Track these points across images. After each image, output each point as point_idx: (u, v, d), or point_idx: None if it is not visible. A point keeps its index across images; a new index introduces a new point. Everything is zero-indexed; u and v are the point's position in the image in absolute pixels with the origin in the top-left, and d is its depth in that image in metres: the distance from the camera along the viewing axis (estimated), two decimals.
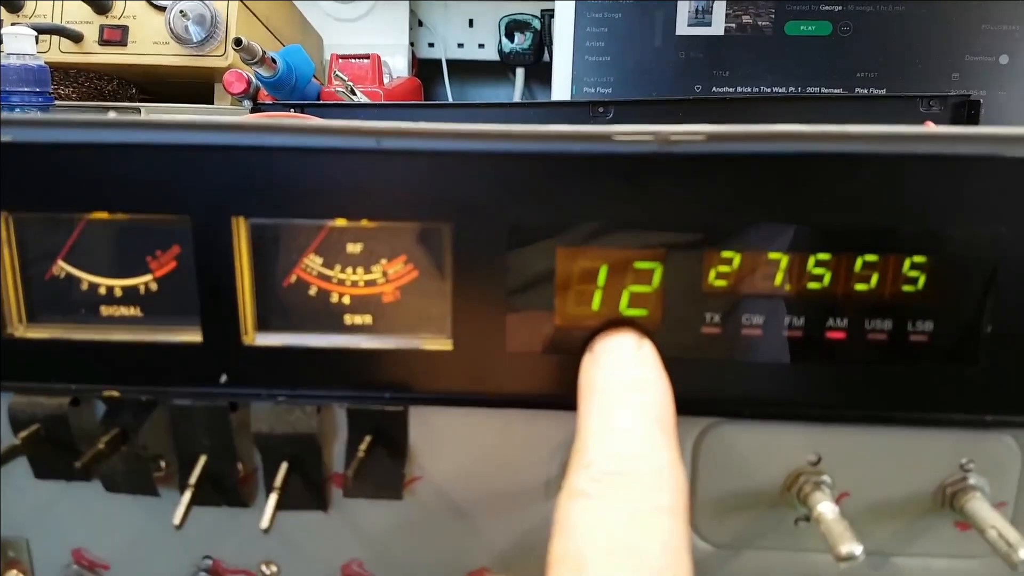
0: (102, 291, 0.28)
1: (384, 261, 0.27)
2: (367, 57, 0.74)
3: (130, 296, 0.28)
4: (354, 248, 0.27)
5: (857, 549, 0.24)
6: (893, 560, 0.29)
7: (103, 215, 0.27)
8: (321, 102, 0.67)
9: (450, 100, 0.98)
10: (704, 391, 0.27)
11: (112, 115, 0.28)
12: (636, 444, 0.22)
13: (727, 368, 0.27)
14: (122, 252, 0.28)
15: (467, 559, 0.30)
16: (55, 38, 0.69)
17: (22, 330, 0.28)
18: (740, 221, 0.26)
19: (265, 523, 0.26)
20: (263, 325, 0.28)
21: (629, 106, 0.60)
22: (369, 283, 0.27)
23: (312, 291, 0.27)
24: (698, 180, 0.26)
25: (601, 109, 0.60)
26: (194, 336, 0.27)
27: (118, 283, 0.28)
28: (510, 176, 0.26)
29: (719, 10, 0.77)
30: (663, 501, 0.20)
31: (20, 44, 0.58)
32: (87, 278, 0.28)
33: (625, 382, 0.24)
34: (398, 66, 0.92)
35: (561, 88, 0.79)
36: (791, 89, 0.78)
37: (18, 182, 0.26)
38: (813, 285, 0.26)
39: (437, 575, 0.30)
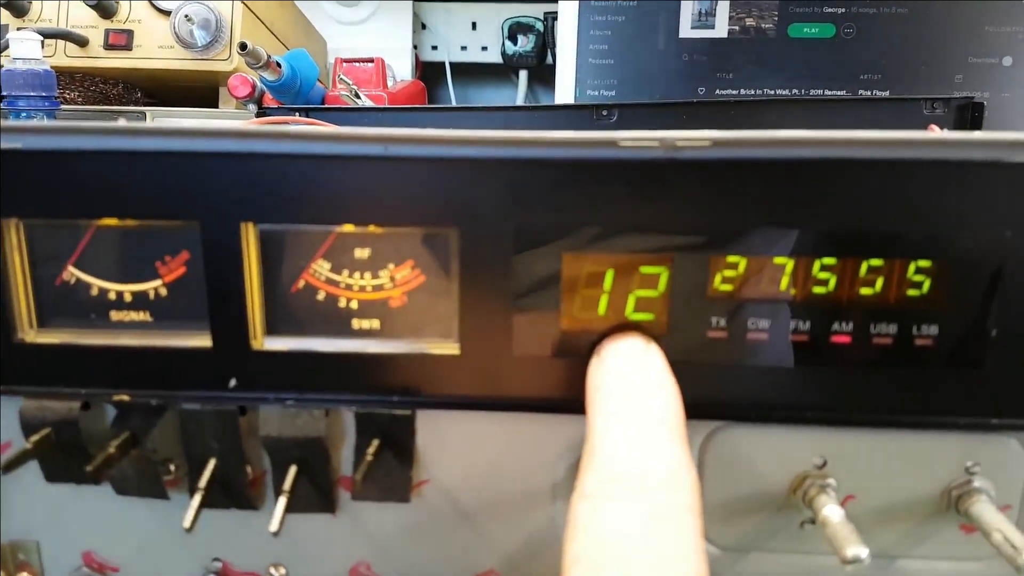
0: (112, 296, 0.28)
1: (391, 266, 0.27)
2: (371, 60, 0.74)
3: (140, 301, 0.28)
4: (362, 253, 0.27)
5: (863, 552, 0.24)
6: (898, 563, 0.29)
7: (113, 221, 0.27)
8: (326, 106, 0.67)
9: (453, 103, 0.98)
10: (710, 395, 0.27)
11: (122, 122, 0.28)
12: (647, 446, 0.22)
13: (733, 372, 0.27)
14: (132, 257, 0.28)
15: (474, 562, 0.30)
16: (60, 42, 0.69)
17: (33, 335, 0.28)
18: (745, 226, 0.26)
19: (275, 526, 0.26)
20: (272, 330, 0.28)
21: (633, 109, 0.60)
22: (377, 288, 0.28)
23: (320, 296, 0.28)
24: (703, 185, 0.26)
25: (605, 112, 0.60)
26: (203, 341, 0.28)
27: (128, 288, 0.28)
28: (516, 182, 0.26)
29: (722, 12, 0.77)
30: (677, 501, 0.20)
31: (26, 49, 0.59)
32: (97, 283, 0.28)
33: (634, 385, 0.25)
34: (401, 69, 0.92)
35: (564, 91, 0.79)
36: (794, 91, 0.78)
37: (28, 189, 0.27)
38: (818, 289, 0.26)
39: (445, 575, 0.30)
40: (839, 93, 0.77)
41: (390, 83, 0.79)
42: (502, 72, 1.00)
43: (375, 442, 0.28)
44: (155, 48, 0.69)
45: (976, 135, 0.25)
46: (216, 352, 0.28)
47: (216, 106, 0.74)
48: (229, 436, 0.28)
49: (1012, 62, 0.76)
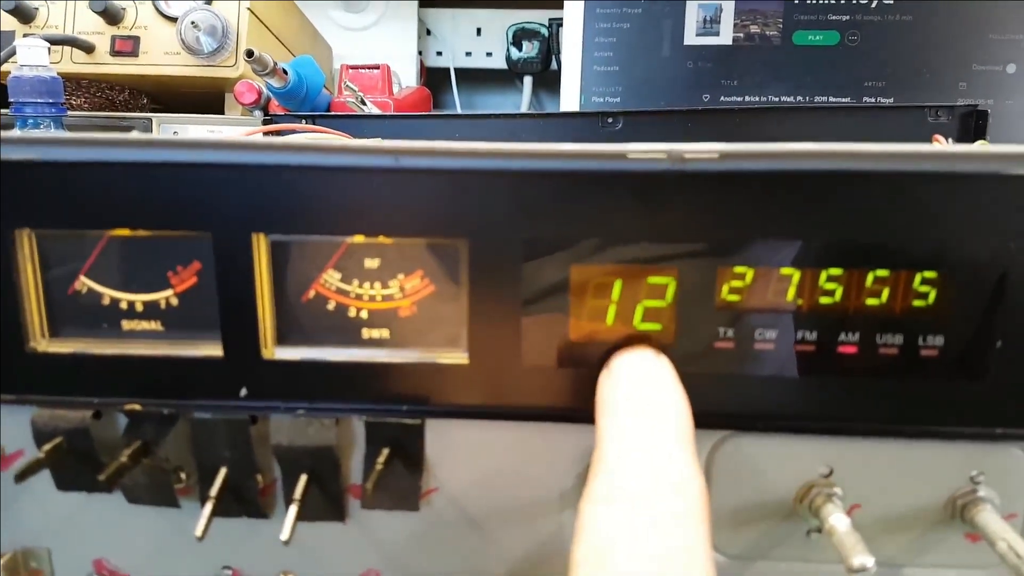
0: (123, 306, 0.28)
1: (401, 276, 0.28)
2: (377, 67, 0.75)
3: (151, 311, 0.28)
4: (372, 263, 0.28)
5: (869, 561, 0.24)
6: (904, 571, 0.29)
7: (125, 231, 0.27)
8: (332, 113, 0.67)
9: (459, 109, 0.98)
10: (717, 404, 0.27)
11: (135, 133, 0.29)
12: (657, 455, 0.22)
13: (740, 381, 0.27)
14: (143, 268, 0.28)
15: (483, 570, 0.30)
16: (67, 49, 0.70)
17: (45, 344, 0.28)
18: (752, 236, 0.26)
19: (285, 534, 0.26)
20: (282, 339, 0.28)
21: (638, 116, 0.60)
22: (386, 298, 0.28)
23: (330, 306, 0.28)
24: (711, 196, 0.26)
25: (610, 119, 0.60)
26: (215, 350, 0.28)
27: (139, 298, 0.28)
28: (525, 193, 0.26)
29: (727, 20, 0.77)
30: (685, 508, 0.20)
31: (34, 55, 0.59)
32: (109, 293, 0.28)
33: (645, 395, 0.25)
34: (407, 74, 0.93)
35: (569, 97, 0.80)
36: (799, 99, 0.78)
37: (41, 199, 0.27)
38: (825, 300, 0.27)
39: None
40: (843, 100, 0.77)
41: (395, 89, 0.79)
42: (507, 78, 1.00)
43: (385, 451, 0.28)
44: (161, 54, 0.70)
45: (979, 148, 0.26)
46: (227, 361, 0.28)
47: (222, 112, 0.74)
48: (240, 445, 0.28)
49: (1016, 69, 0.76)
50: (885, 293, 0.26)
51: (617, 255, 0.27)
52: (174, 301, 0.28)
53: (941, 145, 0.26)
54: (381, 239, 0.27)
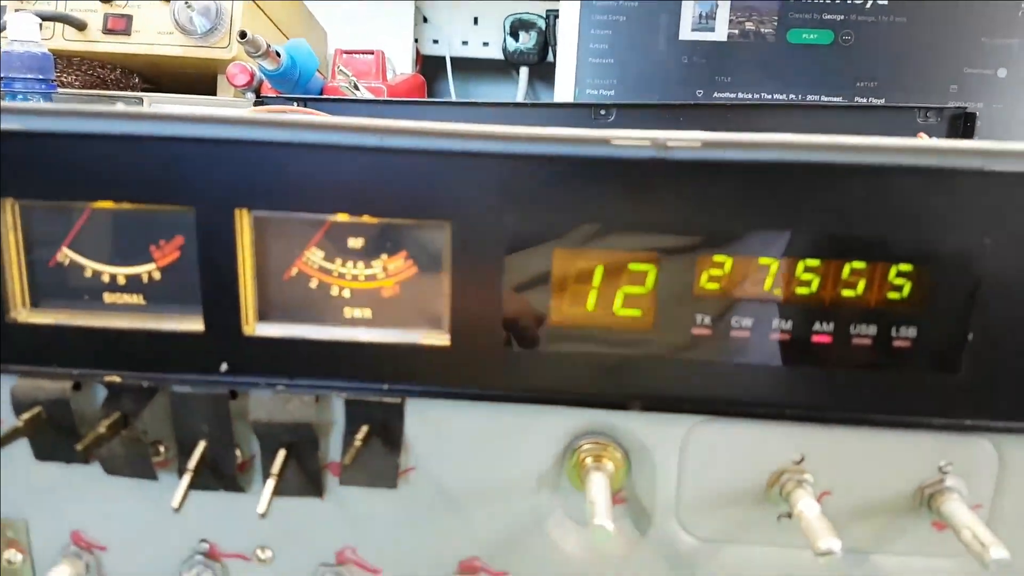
0: (105, 279, 0.28)
1: (384, 256, 0.28)
2: (371, 52, 0.75)
3: (133, 284, 0.28)
4: (355, 243, 0.28)
5: (836, 544, 0.25)
6: (872, 558, 0.30)
7: (108, 204, 0.28)
8: (324, 96, 0.67)
9: (453, 97, 0.98)
10: (693, 389, 0.28)
11: (120, 106, 0.29)
12: None
13: (716, 368, 0.28)
14: (126, 241, 0.28)
15: (459, 548, 0.30)
16: (59, 25, 0.69)
17: (26, 315, 0.28)
18: (732, 226, 0.27)
19: (262, 507, 0.26)
20: (264, 316, 0.28)
21: (631, 109, 0.60)
22: (369, 277, 0.28)
23: (313, 284, 0.28)
24: (693, 185, 0.26)
25: (603, 111, 0.60)
26: (196, 325, 0.28)
27: (121, 271, 0.28)
28: (510, 176, 0.26)
29: (723, 16, 0.77)
30: None
31: (25, 31, 0.59)
32: (91, 265, 0.28)
33: None
34: (402, 61, 0.92)
35: (564, 89, 0.80)
36: (792, 96, 0.78)
37: (25, 170, 0.27)
38: (801, 290, 0.27)
39: (430, 563, 0.31)
40: (836, 99, 0.78)
41: (390, 76, 0.79)
42: (503, 68, 1.00)
43: (364, 428, 0.28)
44: (154, 34, 0.69)
45: (957, 143, 0.26)
46: (208, 336, 0.28)
47: (214, 94, 0.74)
48: (219, 419, 0.28)
49: (1007, 74, 0.77)
50: (861, 285, 0.27)
51: (599, 241, 0.27)
52: (156, 275, 0.28)
53: (949, 142, 0.27)
54: (365, 218, 0.27)
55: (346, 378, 0.28)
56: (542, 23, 0.93)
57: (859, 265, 0.27)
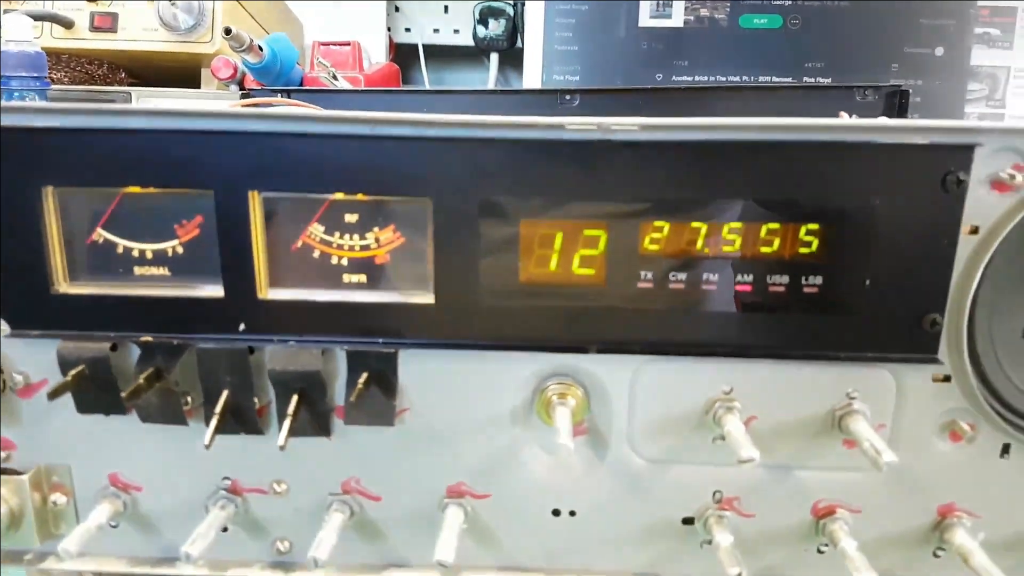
0: (135, 254, 0.33)
1: (376, 229, 0.33)
2: (348, 44, 0.78)
3: (160, 258, 0.33)
4: (351, 218, 0.33)
5: (755, 454, 0.31)
6: (794, 473, 0.36)
7: (137, 189, 0.32)
8: (307, 88, 0.71)
9: (427, 84, 1.02)
10: (640, 334, 0.33)
11: (147, 104, 0.33)
12: None
13: (658, 315, 0.33)
14: (153, 221, 0.33)
15: (447, 475, 0.36)
16: (47, 24, 0.72)
17: (66, 287, 0.33)
18: (669, 196, 0.32)
19: (282, 440, 0.32)
20: (275, 282, 0.33)
21: (594, 94, 0.64)
22: (363, 247, 0.33)
23: (316, 254, 0.33)
24: (635, 162, 0.31)
25: (568, 96, 0.64)
26: (216, 291, 0.33)
27: (149, 247, 0.33)
28: (481, 158, 0.31)
29: (679, 3, 0.82)
30: None
31: (19, 31, 0.62)
32: (123, 243, 0.33)
33: None
34: (375, 50, 0.96)
35: (532, 74, 0.84)
36: (745, 78, 0.83)
37: (63, 161, 0.31)
38: (727, 248, 0.32)
39: (423, 487, 0.36)
40: (786, 80, 0.83)
41: (366, 65, 0.83)
42: (474, 55, 1.04)
43: (364, 376, 0.33)
44: (139, 30, 0.72)
45: (851, 121, 0.31)
46: (227, 301, 0.33)
47: (198, 87, 0.77)
48: (240, 371, 0.33)
49: (943, 52, 0.83)
50: (776, 242, 0.32)
51: (558, 211, 0.32)
52: (180, 250, 0.33)
53: (835, 120, 0.32)
54: (359, 197, 0.32)
55: (347, 333, 0.33)
56: (511, 10, 0.97)
57: (774, 226, 0.32)
